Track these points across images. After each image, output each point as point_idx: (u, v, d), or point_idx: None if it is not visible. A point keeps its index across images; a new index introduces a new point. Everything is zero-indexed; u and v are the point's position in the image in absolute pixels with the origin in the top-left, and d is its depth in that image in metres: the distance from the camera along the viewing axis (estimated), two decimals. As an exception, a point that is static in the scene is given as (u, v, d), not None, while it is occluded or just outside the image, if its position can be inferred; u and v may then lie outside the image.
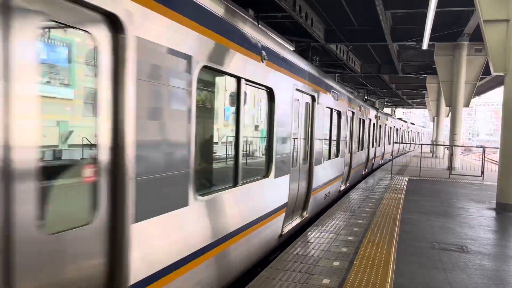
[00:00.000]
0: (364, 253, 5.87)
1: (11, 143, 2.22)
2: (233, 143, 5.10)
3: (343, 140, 11.86)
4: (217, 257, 4.49)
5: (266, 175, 6.09)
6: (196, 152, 4.01)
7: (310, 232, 6.90)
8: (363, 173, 16.98)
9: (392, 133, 28.39)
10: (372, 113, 18.99)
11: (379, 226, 7.53)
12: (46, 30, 2.52)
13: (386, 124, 24.48)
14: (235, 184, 4.99)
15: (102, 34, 2.83)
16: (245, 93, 5.28)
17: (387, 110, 54.31)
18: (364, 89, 36.65)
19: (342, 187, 12.46)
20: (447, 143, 22.27)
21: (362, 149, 15.98)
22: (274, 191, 6.32)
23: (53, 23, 2.50)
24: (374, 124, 19.55)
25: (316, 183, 8.78)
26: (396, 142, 30.69)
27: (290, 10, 12.45)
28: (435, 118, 33.34)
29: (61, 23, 2.55)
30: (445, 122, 30.73)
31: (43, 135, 2.47)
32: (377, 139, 21.01)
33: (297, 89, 7.21)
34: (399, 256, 5.82)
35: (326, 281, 4.75)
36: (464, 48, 19.86)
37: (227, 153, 5.18)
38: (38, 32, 2.36)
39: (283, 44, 7.16)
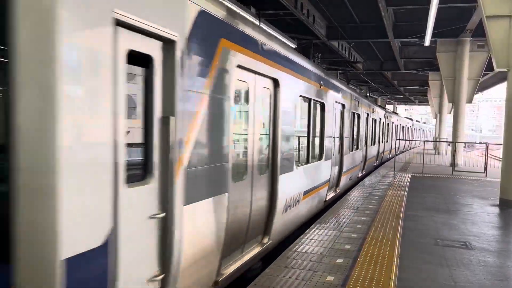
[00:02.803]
0: (367, 250, 5.88)
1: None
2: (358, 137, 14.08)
3: (377, 136, 20.02)
4: (351, 174, 12.58)
5: (357, 148, 13.83)
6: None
7: (313, 230, 6.92)
8: (388, 156, 25.72)
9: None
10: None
11: (383, 223, 7.54)
12: None
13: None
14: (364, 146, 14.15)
15: None
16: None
17: (389, 107, 55.16)
18: (366, 86, 36.60)
19: (376, 163, 20.39)
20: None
21: (387, 141, 24.63)
22: (358, 154, 13.85)
23: None
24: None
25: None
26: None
27: (291, 7, 12.44)
28: (438, 114, 33.23)
29: None
30: (448, 118, 30.69)
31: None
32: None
33: (360, 111, 14.60)
34: (403, 252, 5.83)
35: (330, 278, 4.77)
36: (467, 44, 19.76)
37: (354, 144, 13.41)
38: None
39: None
